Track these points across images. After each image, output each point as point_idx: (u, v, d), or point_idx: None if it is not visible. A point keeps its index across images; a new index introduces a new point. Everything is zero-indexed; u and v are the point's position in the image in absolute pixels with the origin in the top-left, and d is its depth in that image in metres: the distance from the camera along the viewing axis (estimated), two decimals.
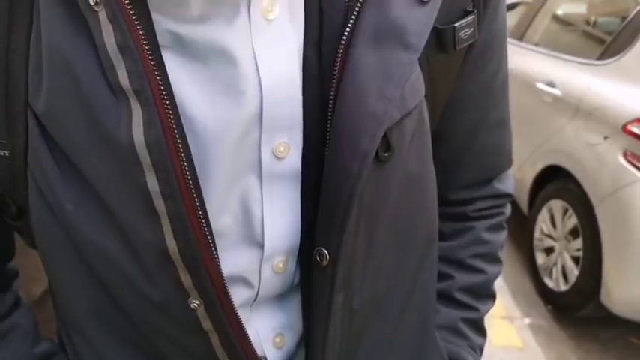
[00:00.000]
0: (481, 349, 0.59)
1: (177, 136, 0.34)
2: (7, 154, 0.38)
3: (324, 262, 0.39)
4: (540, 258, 2.58)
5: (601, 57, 2.37)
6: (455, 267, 0.57)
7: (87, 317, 0.43)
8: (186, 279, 0.37)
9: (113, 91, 0.34)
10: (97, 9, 0.32)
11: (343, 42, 0.37)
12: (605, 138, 2.11)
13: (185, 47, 0.35)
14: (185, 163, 0.35)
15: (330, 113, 0.37)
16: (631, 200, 1.97)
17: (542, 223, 2.56)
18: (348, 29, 0.37)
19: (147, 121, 0.33)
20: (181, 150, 0.35)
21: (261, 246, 0.41)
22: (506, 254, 2.84)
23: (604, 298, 2.11)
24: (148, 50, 0.33)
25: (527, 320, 2.35)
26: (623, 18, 2.39)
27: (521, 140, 2.82)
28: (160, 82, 0.34)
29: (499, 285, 2.51)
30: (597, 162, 2.13)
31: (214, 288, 0.37)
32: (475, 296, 0.59)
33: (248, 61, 0.36)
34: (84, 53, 0.34)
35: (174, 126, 0.34)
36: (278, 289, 0.44)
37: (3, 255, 0.47)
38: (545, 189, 2.58)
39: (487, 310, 0.61)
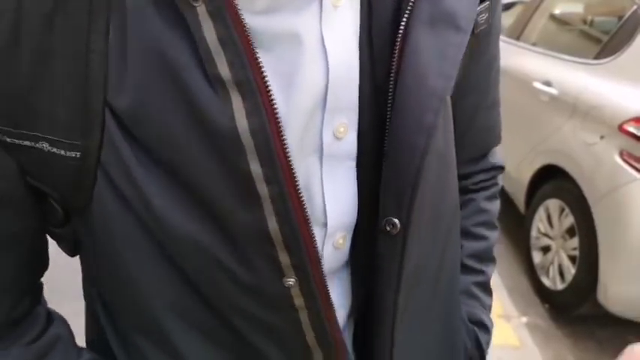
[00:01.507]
0: (490, 308, 0.65)
1: (279, 122, 0.36)
2: (77, 156, 0.36)
3: (395, 231, 0.41)
4: (537, 257, 2.58)
5: (598, 56, 2.37)
6: (462, 236, 0.60)
7: (163, 311, 0.41)
8: (284, 259, 0.39)
9: (210, 83, 0.35)
10: (195, 4, 0.33)
11: (402, 27, 0.40)
12: (602, 137, 2.11)
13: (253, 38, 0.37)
14: (287, 148, 0.37)
15: (390, 92, 0.40)
16: (627, 199, 1.98)
17: (539, 222, 2.57)
18: (406, 15, 0.40)
19: (250, 109, 0.35)
20: (283, 135, 0.36)
21: (325, 224, 0.43)
22: (503, 253, 2.86)
23: (601, 297, 2.11)
24: (250, 43, 0.35)
25: (524, 319, 2.36)
26: (620, 17, 2.39)
27: (518, 139, 2.82)
28: (264, 73, 0.35)
29: (496, 284, 2.53)
30: (594, 161, 2.14)
31: (311, 265, 0.39)
32: (481, 261, 0.64)
33: (316, 46, 0.38)
34: (180, 47, 0.34)
35: (277, 113, 0.36)
36: (335, 265, 0.46)
37: (40, 267, 0.45)
38: (542, 188, 2.58)
39: (491, 273, 0.66)
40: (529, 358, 2.09)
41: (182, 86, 0.35)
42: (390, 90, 0.40)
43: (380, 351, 0.47)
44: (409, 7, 0.40)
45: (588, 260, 2.15)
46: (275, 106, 0.36)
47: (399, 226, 0.41)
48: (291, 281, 0.39)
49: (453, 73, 0.41)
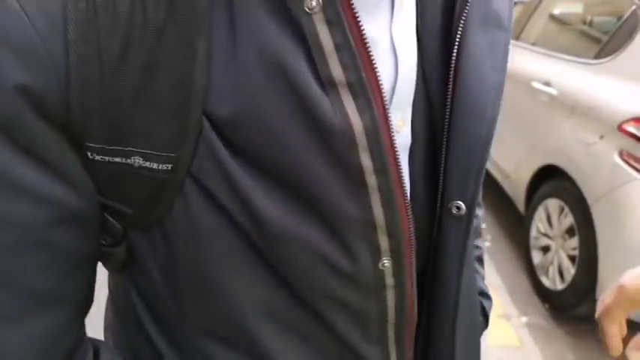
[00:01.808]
0: (484, 278, 0.70)
1: (389, 118, 0.39)
2: (169, 168, 0.36)
3: (461, 213, 0.45)
4: (537, 257, 2.59)
5: (597, 56, 2.37)
6: None
7: (254, 317, 0.42)
8: (384, 243, 0.42)
9: (322, 83, 0.36)
10: (311, 12, 0.35)
11: (461, 28, 0.43)
12: (601, 137, 2.11)
13: None
14: (395, 141, 0.40)
15: (450, 88, 0.43)
16: (627, 199, 1.98)
17: (539, 222, 2.57)
18: (463, 18, 0.43)
19: (362, 107, 0.37)
20: (392, 130, 0.39)
21: None
22: (503, 253, 2.86)
23: (600, 296, 2.11)
24: (366, 46, 0.37)
25: (524, 319, 2.36)
26: (619, 17, 2.40)
27: (517, 140, 2.83)
28: (378, 74, 0.38)
29: (496, 284, 2.54)
30: (593, 161, 2.14)
31: (405, 246, 0.43)
32: (477, 236, 0.67)
33: (388, 47, 0.41)
34: (293, 50, 0.36)
35: (388, 110, 0.39)
36: None
37: (89, 298, 0.42)
38: (541, 188, 2.58)
39: (482, 247, 0.71)
40: (529, 358, 2.09)
41: (294, 88, 0.36)
42: (450, 85, 0.43)
43: (441, 322, 0.50)
44: (466, 10, 0.43)
45: (588, 260, 2.16)
46: (386, 103, 0.39)
47: (464, 208, 0.44)
48: (387, 262, 0.43)
49: (505, 66, 0.45)
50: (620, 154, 2.02)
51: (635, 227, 1.95)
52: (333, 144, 0.37)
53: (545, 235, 2.53)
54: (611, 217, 2.04)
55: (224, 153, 0.36)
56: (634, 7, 2.32)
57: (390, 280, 0.44)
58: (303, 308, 0.43)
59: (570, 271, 2.29)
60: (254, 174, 0.37)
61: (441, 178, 0.45)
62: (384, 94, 0.39)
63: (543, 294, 2.51)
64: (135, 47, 0.33)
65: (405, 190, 0.41)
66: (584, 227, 2.19)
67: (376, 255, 0.42)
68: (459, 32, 0.43)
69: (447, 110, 0.43)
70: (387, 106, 0.39)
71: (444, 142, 0.44)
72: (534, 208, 2.60)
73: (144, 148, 0.35)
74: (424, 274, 0.49)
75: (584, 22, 2.76)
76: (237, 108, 0.35)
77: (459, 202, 0.44)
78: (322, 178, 0.38)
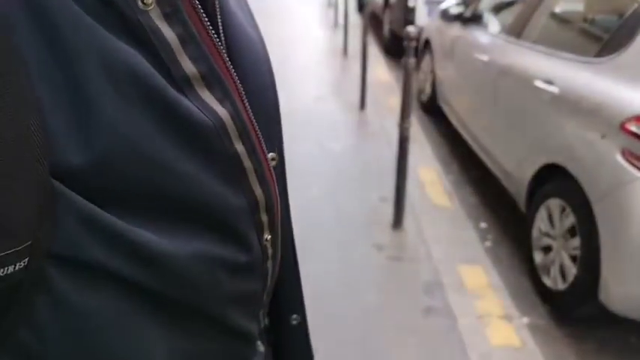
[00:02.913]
0: None
1: (245, 102, 0.40)
2: (25, 264, 0.28)
3: (276, 162, 0.47)
4: (538, 257, 2.57)
5: (599, 54, 2.36)
6: None
7: None
8: (264, 219, 0.43)
9: (178, 85, 0.35)
10: (146, 8, 0.33)
11: None
12: (603, 136, 2.10)
13: None
14: (254, 123, 0.41)
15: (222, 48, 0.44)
16: (629, 198, 1.96)
17: (540, 222, 2.55)
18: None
19: (220, 97, 0.37)
20: (250, 113, 0.40)
21: None
22: (504, 253, 2.84)
23: (602, 297, 2.10)
24: (211, 36, 0.37)
25: (525, 320, 2.34)
26: (621, 15, 2.38)
27: (518, 138, 2.81)
28: (227, 62, 0.38)
29: (497, 284, 2.52)
30: (595, 160, 2.12)
31: (276, 215, 0.45)
32: None
33: None
34: (142, 57, 0.32)
35: (242, 94, 0.40)
36: None
37: None
38: (543, 187, 2.57)
39: None
40: (530, 359, 2.07)
41: (152, 96, 0.32)
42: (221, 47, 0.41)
43: (285, 266, 0.53)
44: None
45: (590, 260, 2.14)
46: (239, 86, 0.39)
47: (277, 157, 0.47)
48: (268, 236, 0.44)
49: (255, 24, 0.48)
50: (623, 153, 2.00)
51: (637, 227, 1.94)
52: (209, 141, 0.36)
53: (547, 234, 2.51)
54: (613, 216, 2.03)
55: (92, 210, 0.30)
56: (636, 5, 2.30)
57: (270, 251, 0.45)
58: (203, 326, 0.40)
59: (572, 271, 2.27)
60: (136, 215, 0.32)
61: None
62: (236, 78, 0.39)
63: (544, 294, 2.50)
64: None
65: (270, 163, 0.43)
66: (586, 227, 2.17)
67: (260, 233, 0.43)
68: None
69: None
70: (240, 90, 0.39)
71: None
72: (536, 208, 2.59)
73: None
74: None
75: (586, 20, 2.74)
76: (95, 147, 0.30)
77: (272, 153, 0.46)
78: (206, 180, 0.36)
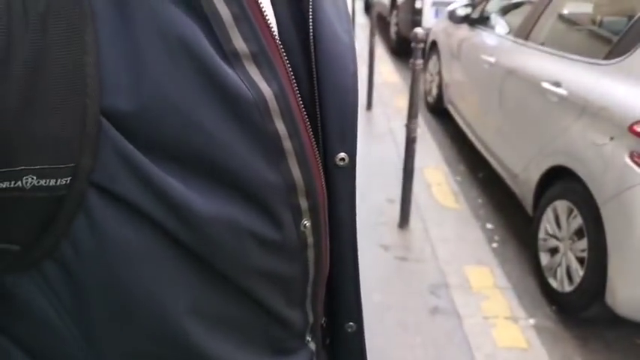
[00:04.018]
0: None
1: (294, 84, 0.41)
2: (67, 182, 0.31)
3: (346, 163, 0.48)
4: (545, 258, 2.57)
5: (607, 57, 2.36)
6: None
7: (184, 320, 0.39)
8: (303, 203, 0.43)
9: (227, 58, 0.36)
10: None
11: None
12: (612, 138, 2.10)
13: None
14: (303, 107, 0.42)
15: (312, 54, 0.45)
16: (637, 201, 1.96)
17: (547, 224, 2.55)
18: None
19: (268, 77, 0.38)
20: (298, 95, 0.41)
21: None
22: (510, 254, 2.84)
23: (609, 299, 2.10)
24: (264, 16, 0.38)
25: (531, 321, 2.35)
26: (630, 17, 2.38)
27: (526, 140, 2.81)
28: (279, 42, 0.39)
29: (503, 285, 2.52)
30: (603, 162, 2.12)
31: (321, 204, 0.45)
32: None
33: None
34: (197, 29, 0.35)
35: (292, 76, 0.41)
36: None
37: None
38: (550, 189, 2.57)
39: None
40: None
41: (200, 64, 0.35)
42: (312, 54, 0.45)
43: (344, 269, 0.53)
44: None
45: (597, 262, 2.14)
46: (289, 71, 0.40)
47: (347, 158, 0.47)
48: (307, 223, 0.44)
49: (351, 28, 0.49)
50: (631, 156, 2.00)
51: None
52: (249, 115, 0.37)
53: (554, 236, 2.51)
54: (621, 219, 2.03)
55: (131, 151, 0.33)
56: None
57: (310, 240, 0.45)
58: (232, 294, 0.42)
59: (579, 272, 2.27)
60: (169, 165, 0.35)
61: (320, 134, 0.46)
62: (287, 62, 0.40)
63: (551, 296, 2.50)
64: (17, 42, 0.29)
65: (315, 150, 0.43)
66: (593, 229, 2.17)
67: (298, 217, 0.43)
68: (310, 1, 0.44)
69: (314, 74, 0.45)
70: (290, 74, 0.40)
71: (317, 104, 0.46)
72: (542, 209, 2.59)
73: (38, 164, 0.30)
74: None
75: (594, 23, 2.74)
76: (141, 97, 0.33)
77: (342, 153, 0.47)
78: (242, 152, 0.37)
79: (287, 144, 0.40)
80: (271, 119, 0.39)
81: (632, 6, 2.43)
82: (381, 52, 6.53)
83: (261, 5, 0.38)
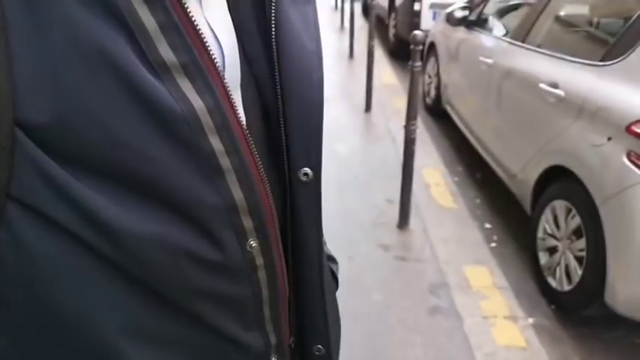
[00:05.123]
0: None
1: (231, 96, 0.38)
2: None
3: (310, 178, 0.47)
4: (543, 258, 2.59)
5: (604, 58, 2.37)
6: None
7: (117, 338, 0.38)
8: (248, 223, 0.41)
9: (154, 69, 0.35)
10: None
11: (274, 6, 0.44)
12: (609, 139, 2.11)
13: None
14: (241, 119, 0.39)
15: (275, 63, 0.44)
16: (635, 201, 1.98)
17: (546, 223, 2.57)
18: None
19: (201, 89, 0.36)
20: (236, 109, 0.39)
21: None
22: (509, 254, 2.86)
23: (608, 298, 2.11)
24: (194, 25, 0.36)
25: (530, 320, 2.36)
26: (627, 19, 2.39)
27: (524, 141, 2.83)
28: (212, 52, 0.37)
29: (502, 285, 2.53)
30: (601, 162, 2.14)
31: (269, 223, 0.43)
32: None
33: (206, 27, 0.41)
34: (117, 38, 0.33)
35: (229, 88, 0.38)
36: None
37: None
38: (548, 189, 2.58)
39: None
40: (536, 359, 2.09)
41: (122, 76, 0.33)
42: (275, 62, 0.44)
43: (310, 287, 0.51)
44: None
45: (595, 261, 2.15)
46: (226, 82, 0.38)
47: (311, 173, 0.46)
48: (253, 243, 0.42)
49: (319, 36, 0.46)
50: (628, 156, 2.01)
51: None
52: (178, 131, 0.35)
53: (552, 236, 2.52)
54: (619, 218, 2.04)
55: (47, 163, 0.32)
56: None
57: (260, 260, 0.43)
58: (173, 313, 0.40)
59: (578, 272, 2.29)
60: (93, 179, 0.34)
61: (284, 150, 0.45)
62: (222, 73, 0.38)
63: (550, 295, 2.51)
64: None
65: (259, 167, 0.41)
66: (591, 229, 2.18)
67: (242, 237, 0.41)
68: (273, 10, 0.43)
69: (277, 84, 0.44)
70: (226, 85, 0.38)
71: (281, 115, 0.44)
72: (541, 209, 2.60)
73: None
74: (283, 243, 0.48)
75: (591, 24, 2.76)
76: (59, 109, 0.32)
77: (306, 168, 0.45)
78: (174, 169, 0.36)
79: (224, 161, 0.38)
80: (205, 135, 0.36)
81: (628, 8, 2.45)
82: (380, 55, 6.55)
83: (191, 14, 0.36)
